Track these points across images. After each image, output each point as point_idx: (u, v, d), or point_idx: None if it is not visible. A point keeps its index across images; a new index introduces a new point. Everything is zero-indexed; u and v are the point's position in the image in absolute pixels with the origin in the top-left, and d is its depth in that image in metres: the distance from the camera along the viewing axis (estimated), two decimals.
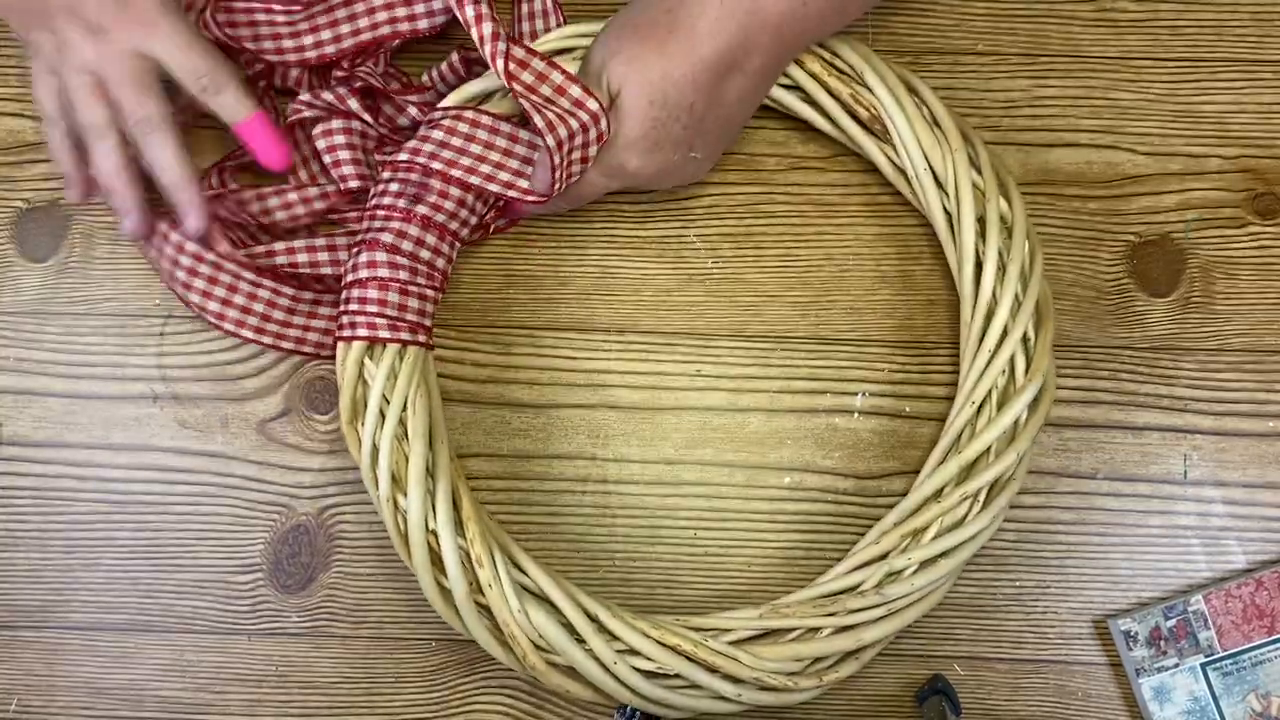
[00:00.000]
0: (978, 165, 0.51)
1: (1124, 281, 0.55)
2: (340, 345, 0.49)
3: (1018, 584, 0.53)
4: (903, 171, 0.52)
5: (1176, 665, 0.51)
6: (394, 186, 0.50)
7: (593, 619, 0.47)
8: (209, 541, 0.54)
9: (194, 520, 0.54)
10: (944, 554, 0.48)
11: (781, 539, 0.53)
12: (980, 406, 0.50)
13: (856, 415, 0.54)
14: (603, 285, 0.55)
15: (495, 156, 0.50)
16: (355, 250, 0.49)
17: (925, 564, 0.48)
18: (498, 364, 0.54)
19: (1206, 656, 0.50)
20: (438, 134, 0.50)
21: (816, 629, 0.48)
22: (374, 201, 0.50)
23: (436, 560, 0.47)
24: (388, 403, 0.48)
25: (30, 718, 0.53)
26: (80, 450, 0.54)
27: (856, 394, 0.54)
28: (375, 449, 0.47)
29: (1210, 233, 0.55)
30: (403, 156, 0.50)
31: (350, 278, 0.49)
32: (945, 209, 0.51)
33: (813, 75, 0.52)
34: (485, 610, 0.48)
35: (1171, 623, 0.51)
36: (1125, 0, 0.57)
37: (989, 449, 0.49)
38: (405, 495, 0.47)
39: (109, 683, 0.53)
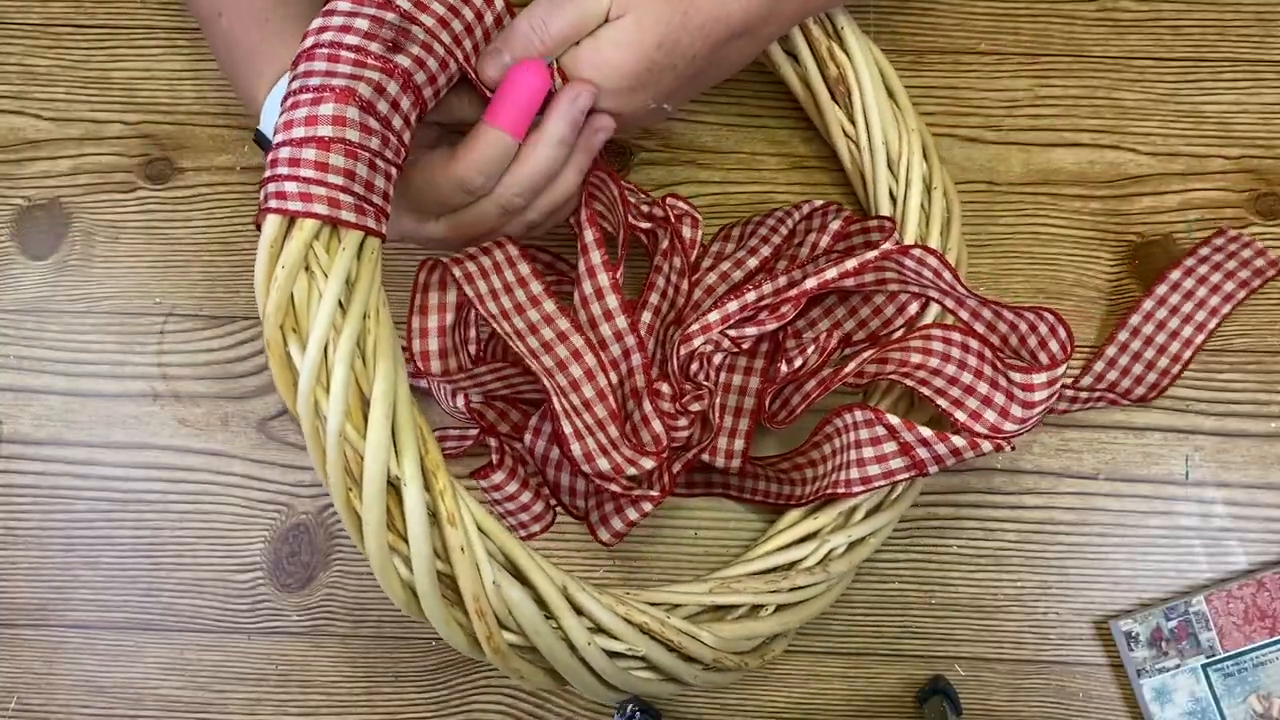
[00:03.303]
0: (927, 154, 0.51)
1: (1126, 282, 0.55)
2: (273, 219, 0.36)
3: (1019, 584, 0.53)
4: (855, 143, 0.51)
5: (1178, 666, 0.50)
6: (362, 24, 0.38)
7: (562, 591, 0.41)
8: (209, 540, 0.54)
9: (194, 519, 0.54)
10: (873, 533, 0.48)
11: None
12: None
13: None
14: None
15: (489, 21, 0.42)
16: (314, 97, 0.37)
17: (854, 544, 0.48)
18: None
19: (1208, 657, 0.50)
20: None
21: (760, 606, 0.46)
22: (330, 37, 0.38)
23: (391, 521, 0.37)
24: (343, 309, 0.36)
25: (30, 716, 0.53)
26: (80, 448, 0.54)
27: (857, 394, 0.54)
28: (324, 365, 0.36)
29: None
30: None
31: (302, 132, 0.36)
32: (891, 193, 0.51)
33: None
34: (447, 582, 0.39)
35: (1173, 624, 0.51)
36: (1127, 0, 0.57)
37: None
38: (361, 432, 0.36)
39: (108, 681, 0.53)
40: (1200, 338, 0.52)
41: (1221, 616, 0.51)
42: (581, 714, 0.52)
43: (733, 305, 0.48)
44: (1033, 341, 0.46)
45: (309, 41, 0.38)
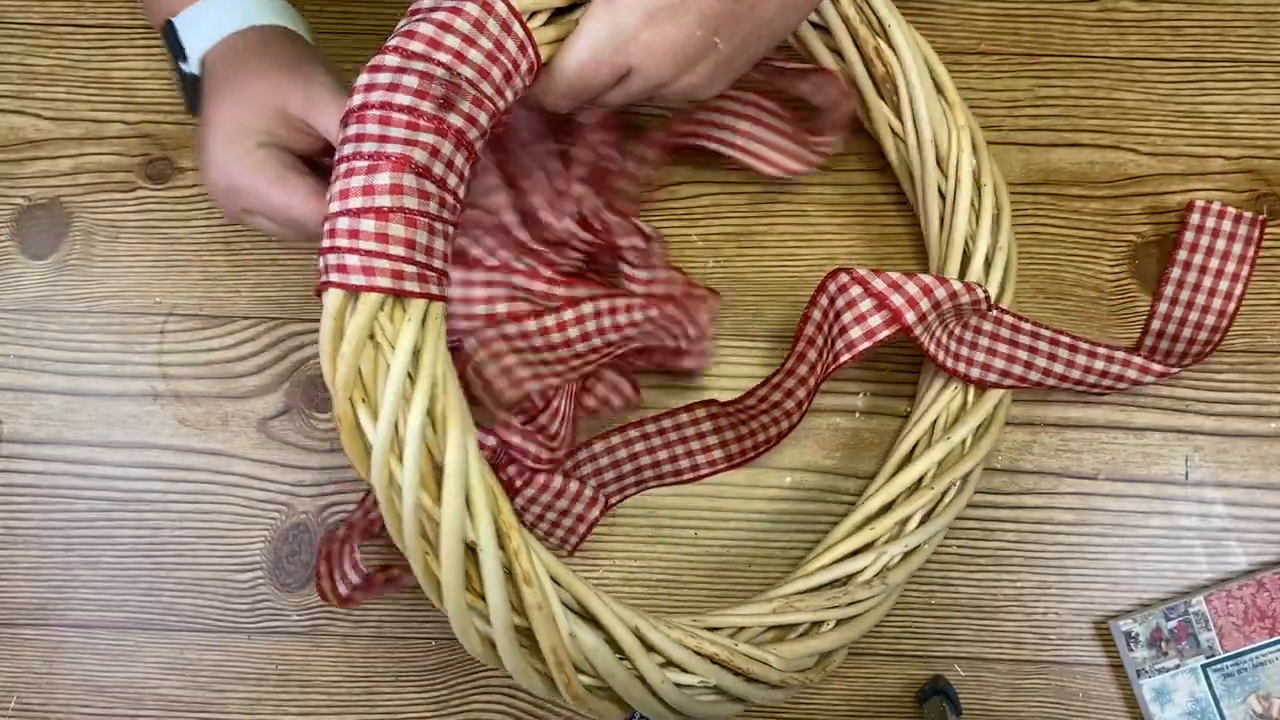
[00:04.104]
0: (977, 149, 0.51)
1: (1126, 282, 0.55)
2: (336, 293, 0.36)
3: (1019, 584, 0.53)
4: (903, 140, 0.51)
5: (1177, 666, 0.50)
6: (411, 81, 0.37)
7: (634, 632, 0.42)
8: (209, 539, 0.54)
9: (194, 518, 0.54)
10: (927, 540, 0.48)
11: (782, 539, 0.53)
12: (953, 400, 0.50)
13: (858, 415, 0.54)
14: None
15: (524, 68, 0.40)
16: (370, 165, 0.36)
17: (909, 553, 0.48)
18: None
19: (1208, 658, 0.50)
20: (462, 24, 0.38)
21: (820, 622, 0.47)
22: (380, 97, 0.37)
23: (469, 581, 0.38)
24: (412, 381, 0.36)
25: (30, 715, 0.53)
26: (80, 448, 0.54)
27: (858, 394, 0.54)
28: (397, 438, 0.36)
29: None
30: (417, 46, 0.37)
31: (358, 202, 0.36)
32: (941, 191, 0.51)
33: (845, 19, 0.50)
34: (524, 634, 0.40)
35: (1173, 624, 0.51)
36: (1128, 0, 0.57)
37: (964, 440, 0.49)
38: (436, 500, 0.37)
39: (108, 680, 0.53)
40: (1232, 305, 0.53)
41: (1221, 617, 0.51)
42: (580, 715, 0.52)
43: (543, 181, 0.50)
44: (819, 100, 0.51)
45: (358, 100, 0.37)
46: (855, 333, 0.46)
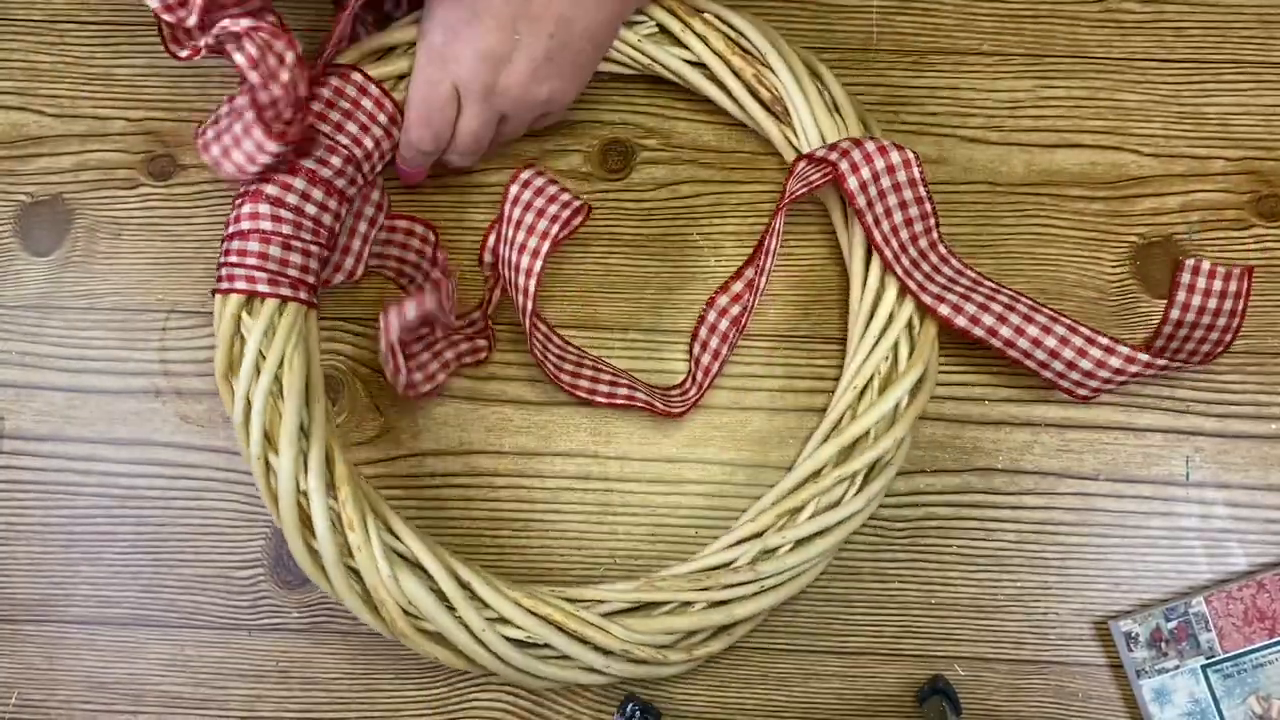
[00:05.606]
0: None
1: (1128, 282, 0.55)
2: (218, 297, 0.48)
3: (1019, 584, 0.53)
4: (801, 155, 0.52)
5: (1177, 667, 0.51)
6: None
7: (464, 586, 0.47)
8: (210, 537, 0.54)
9: (195, 515, 0.54)
10: (819, 534, 0.49)
11: None
12: (863, 390, 0.50)
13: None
14: (605, 283, 0.55)
15: (383, 119, 0.50)
16: (239, 201, 0.48)
17: (800, 543, 0.49)
18: (500, 361, 0.54)
19: (1207, 658, 0.50)
20: (324, 92, 0.49)
21: (689, 603, 0.49)
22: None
23: (307, 522, 0.47)
24: (264, 359, 0.47)
25: (31, 712, 0.53)
26: (82, 445, 0.54)
27: None
28: (248, 405, 0.47)
29: (1213, 234, 0.55)
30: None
31: (232, 229, 0.48)
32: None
33: (718, 54, 0.51)
34: (355, 574, 0.47)
35: (1172, 624, 0.51)
36: (1131, 2, 0.57)
37: (868, 432, 0.49)
38: (277, 453, 0.46)
39: (109, 677, 0.53)
40: (1220, 350, 0.52)
41: (1221, 618, 0.51)
42: (584, 714, 0.52)
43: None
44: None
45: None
46: (793, 185, 0.50)
